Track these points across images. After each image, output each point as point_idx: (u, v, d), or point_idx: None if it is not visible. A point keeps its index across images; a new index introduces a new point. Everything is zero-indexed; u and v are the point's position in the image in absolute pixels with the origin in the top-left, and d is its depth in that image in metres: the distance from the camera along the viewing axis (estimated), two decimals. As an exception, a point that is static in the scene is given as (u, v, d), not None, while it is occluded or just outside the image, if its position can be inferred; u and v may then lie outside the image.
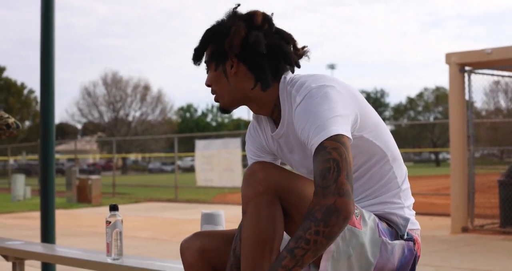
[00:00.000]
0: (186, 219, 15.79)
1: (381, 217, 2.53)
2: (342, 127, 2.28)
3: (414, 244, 2.55)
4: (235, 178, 21.92)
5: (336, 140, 2.24)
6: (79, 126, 71.86)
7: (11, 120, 4.91)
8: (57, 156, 47.26)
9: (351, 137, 2.29)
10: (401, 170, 2.59)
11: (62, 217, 15.31)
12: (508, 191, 11.82)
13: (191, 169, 40.09)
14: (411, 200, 2.62)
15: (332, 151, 2.22)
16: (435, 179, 32.54)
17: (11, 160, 43.52)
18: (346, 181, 2.19)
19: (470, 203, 11.98)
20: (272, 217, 2.29)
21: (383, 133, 2.52)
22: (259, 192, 2.29)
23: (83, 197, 22.57)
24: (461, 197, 12.01)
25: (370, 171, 2.50)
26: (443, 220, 13.67)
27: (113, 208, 3.60)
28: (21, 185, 26.06)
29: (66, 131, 69.37)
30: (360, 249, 2.40)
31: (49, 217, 7.04)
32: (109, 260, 3.62)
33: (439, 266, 8.29)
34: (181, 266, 3.23)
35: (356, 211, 2.37)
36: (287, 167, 2.76)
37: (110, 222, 3.58)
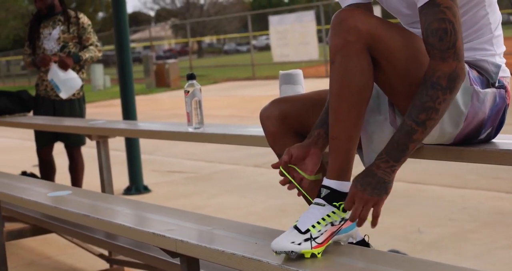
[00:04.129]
0: (265, 95, 15.78)
1: (471, 65, 2.40)
2: None
3: (506, 91, 2.42)
4: (311, 51, 21.72)
5: None
6: (152, 13, 72.06)
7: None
8: (132, 44, 47.67)
9: None
10: (495, 15, 2.43)
11: (142, 103, 15.48)
12: None
13: (266, 48, 39.89)
14: (503, 48, 2.48)
15: (446, 10, 2.12)
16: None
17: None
18: (462, 45, 2.13)
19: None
20: (361, 67, 2.17)
21: None
22: (348, 41, 2.16)
23: (162, 82, 22.77)
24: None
25: (464, 16, 2.35)
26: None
27: (191, 76, 3.54)
28: (100, 75, 26.43)
29: (139, 20, 69.46)
30: None
31: (129, 101, 7.14)
32: (190, 129, 3.58)
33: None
34: (259, 129, 3.19)
35: None
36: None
37: (188, 92, 3.53)
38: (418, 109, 2.11)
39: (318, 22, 22.64)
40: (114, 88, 23.90)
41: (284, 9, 30.30)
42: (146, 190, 7.01)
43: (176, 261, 2.59)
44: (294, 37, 22.16)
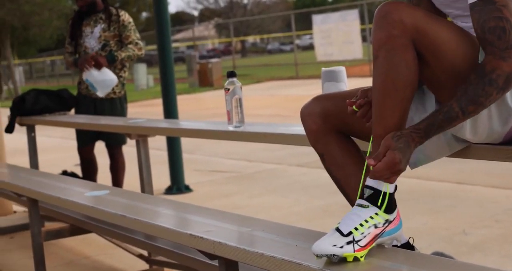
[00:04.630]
0: (309, 95, 15.62)
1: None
2: None
3: None
4: (355, 50, 21.59)
5: None
6: (195, 13, 72.35)
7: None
8: (176, 44, 47.90)
9: None
10: None
11: (185, 102, 15.48)
12: None
13: (309, 47, 39.76)
14: None
15: (503, 9, 2.05)
16: None
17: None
18: None
19: None
20: (406, 62, 2.09)
21: None
22: (392, 35, 2.08)
23: (205, 81, 22.80)
24: None
25: None
26: None
27: (231, 74, 3.47)
28: (143, 74, 26.54)
29: (183, 19, 69.83)
30: None
31: (170, 100, 7.11)
32: (230, 128, 3.51)
33: None
34: (300, 128, 3.11)
35: None
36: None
37: (229, 89, 3.46)
38: (469, 100, 2.05)
39: (362, 21, 22.49)
40: (157, 88, 23.95)
41: (328, 8, 30.18)
42: (187, 189, 6.96)
43: (215, 263, 2.51)
44: (338, 36, 22.05)
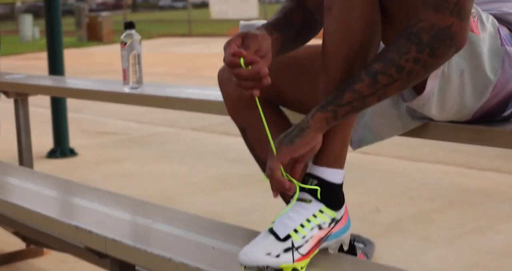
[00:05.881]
0: (203, 53, 15.19)
1: (500, 20, 1.83)
2: None
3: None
4: (251, 8, 21.15)
5: None
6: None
7: None
8: (65, -5, 46.32)
9: None
10: None
11: (72, 56, 14.75)
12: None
13: (202, 5, 39.14)
14: None
15: None
16: None
17: (18, 2, 42.53)
18: (470, 1, 1.54)
19: None
20: (367, 16, 1.59)
21: None
22: None
23: (94, 35, 22.00)
24: None
25: None
26: None
27: (129, 25, 2.93)
28: (29, 26, 25.49)
29: (72, -29, 67.93)
30: (476, 63, 1.72)
31: (56, 54, 6.52)
32: (126, 89, 2.98)
33: None
34: (214, 92, 2.61)
35: (472, 11, 1.64)
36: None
37: (126, 43, 2.93)
38: (378, 58, 1.55)
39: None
40: (43, 41, 22.98)
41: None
42: (72, 153, 6.35)
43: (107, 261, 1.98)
44: (234, -6, 21.57)
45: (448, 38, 1.51)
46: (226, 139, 6.56)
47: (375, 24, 1.61)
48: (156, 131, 7.43)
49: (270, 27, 1.78)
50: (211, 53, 14.60)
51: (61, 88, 3.55)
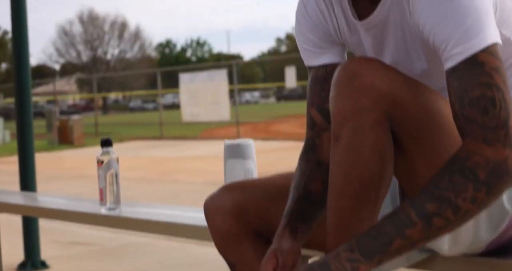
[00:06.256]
0: (175, 157, 15.05)
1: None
2: (495, 31, 1.47)
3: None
4: (223, 112, 21.17)
5: (494, 54, 1.43)
6: (57, 67, 71.13)
7: None
8: (36, 98, 46.47)
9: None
10: None
11: (44, 161, 14.54)
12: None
13: (173, 106, 39.32)
14: None
15: (494, 73, 1.42)
16: None
17: (-12, 104, 42.53)
18: None
19: None
20: (379, 147, 1.46)
21: None
22: (363, 107, 1.44)
23: (65, 138, 21.84)
24: None
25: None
26: None
27: (106, 143, 2.80)
28: (0, 129, 25.29)
29: (44, 73, 68.27)
30: None
31: (28, 160, 6.36)
32: (103, 211, 2.81)
33: None
34: (196, 215, 2.45)
35: None
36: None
37: (102, 162, 2.78)
38: (429, 196, 1.39)
39: (231, 82, 22.12)
40: (14, 144, 22.77)
41: (196, 67, 29.80)
42: (43, 266, 6.08)
43: None
44: (205, 96, 21.58)
45: (505, 174, 1.38)
46: (204, 249, 6.34)
47: (387, 155, 1.47)
48: (129, 242, 7.18)
49: (293, 221, 1.65)
50: (183, 156, 14.50)
51: (33, 207, 3.36)
